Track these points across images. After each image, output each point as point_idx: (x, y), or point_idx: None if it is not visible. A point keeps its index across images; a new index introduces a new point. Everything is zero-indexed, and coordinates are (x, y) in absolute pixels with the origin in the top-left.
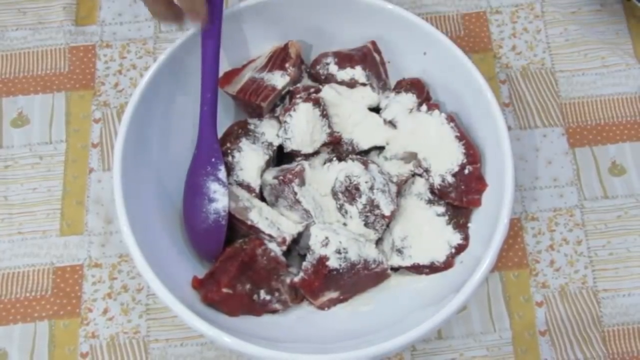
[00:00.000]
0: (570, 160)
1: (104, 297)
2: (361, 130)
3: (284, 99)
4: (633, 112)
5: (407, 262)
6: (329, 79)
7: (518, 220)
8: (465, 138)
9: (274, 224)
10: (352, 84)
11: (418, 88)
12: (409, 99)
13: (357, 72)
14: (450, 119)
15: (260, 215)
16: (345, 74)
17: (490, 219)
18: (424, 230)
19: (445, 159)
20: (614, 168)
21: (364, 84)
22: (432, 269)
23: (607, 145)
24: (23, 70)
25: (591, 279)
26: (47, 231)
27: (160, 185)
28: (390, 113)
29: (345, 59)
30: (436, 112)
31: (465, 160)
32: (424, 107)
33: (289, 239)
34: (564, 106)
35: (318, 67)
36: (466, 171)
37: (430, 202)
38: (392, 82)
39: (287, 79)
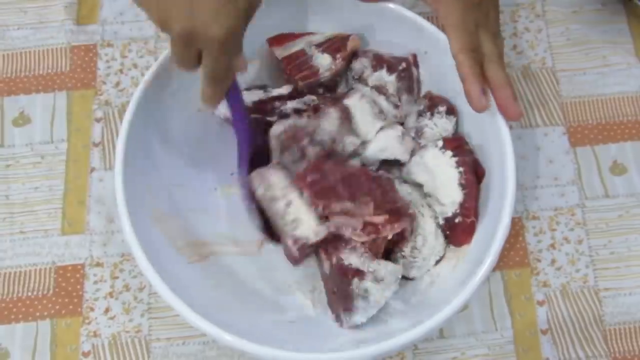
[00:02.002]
0: (571, 159)
1: (105, 296)
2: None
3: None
4: (634, 111)
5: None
6: (361, 79)
7: (519, 220)
8: (469, 187)
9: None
10: (381, 89)
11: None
12: (444, 123)
13: (390, 81)
14: (462, 162)
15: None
16: (377, 78)
17: (492, 218)
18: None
19: (444, 201)
20: (615, 167)
21: (393, 95)
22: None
23: (608, 145)
24: (24, 69)
25: (592, 278)
26: (49, 230)
27: (162, 184)
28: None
29: (381, 63)
30: (449, 154)
31: (458, 211)
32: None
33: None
34: (565, 105)
35: (356, 62)
36: (456, 220)
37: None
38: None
39: (332, 69)
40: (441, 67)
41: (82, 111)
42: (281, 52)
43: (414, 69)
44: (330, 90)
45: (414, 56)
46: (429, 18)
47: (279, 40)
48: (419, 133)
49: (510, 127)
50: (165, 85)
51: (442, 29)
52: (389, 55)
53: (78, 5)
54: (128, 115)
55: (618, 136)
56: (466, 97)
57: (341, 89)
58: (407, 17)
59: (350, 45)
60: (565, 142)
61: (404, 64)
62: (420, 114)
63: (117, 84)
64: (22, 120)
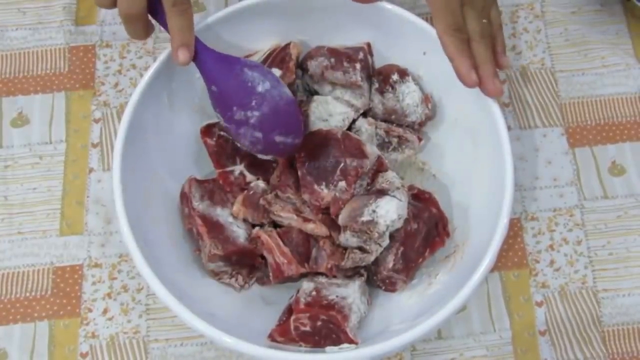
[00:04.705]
0: (570, 160)
1: (103, 297)
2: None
3: None
4: (633, 112)
5: None
6: (323, 78)
7: (518, 220)
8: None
9: None
10: (348, 85)
11: None
12: (406, 88)
13: (356, 73)
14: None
15: None
16: (342, 75)
17: (490, 219)
18: None
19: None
20: (614, 168)
21: (359, 86)
22: None
23: (607, 145)
24: (23, 70)
25: (591, 279)
26: (47, 231)
27: (160, 185)
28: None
29: (339, 56)
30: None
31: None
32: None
33: None
34: (564, 106)
35: (312, 62)
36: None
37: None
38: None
39: (286, 80)
40: (440, 67)
41: (80, 112)
42: None
43: (369, 57)
44: None
45: (368, 45)
46: (427, 19)
47: None
48: (400, 114)
49: (509, 128)
50: (163, 86)
51: (430, 10)
52: (343, 47)
53: (77, 6)
54: (126, 116)
55: (617, 137)
56: (457, 75)
57: (299, 95)
58: (406, 18)
59: (293, 52)
60: (564, 143)
61: (361, 53)
62: (381, 92)
63: (116, 84)
64: (21, 121)
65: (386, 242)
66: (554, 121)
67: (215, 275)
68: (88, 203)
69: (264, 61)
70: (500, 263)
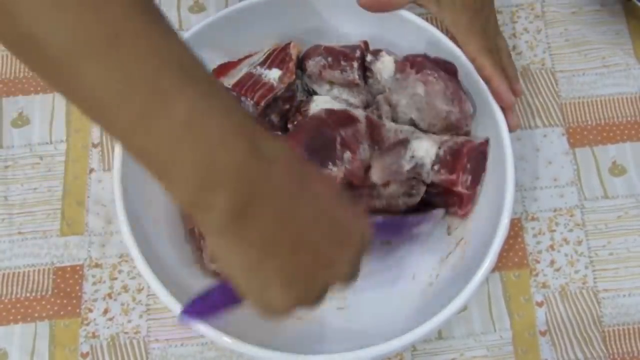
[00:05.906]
0: (570, 160)
1: (104, 297)
2: None
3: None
4: (633, 112)
5: None
6: (321, 77)
7: (518, 221)
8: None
9: None
10: (346, 84)
11: None
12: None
13: (353, 72)
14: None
15: None
16: (340, 74)
17: (491, 219)
18: None
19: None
20: (615, 168)
21: (357, 84)
22: None
23: (607, 146)
24: (23, 70)
25: (591, 279)
26: (48, 231)
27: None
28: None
29: (338, 57)
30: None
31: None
32: None
33: None
34: (564, 106)
35: (309, 61)
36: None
37: None
38: None
39: (285, 80)
40: None
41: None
42: (228, 80)
43: (365, 55)
44: (289, 100)
45: (365, 42)
46: (427, 19)
47: (221, 70)
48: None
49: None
50: None
51: (451, 35)
52: (340, 46)
53: None
54: None
55: (617, 137)
56: (494, 95)
57: (299, 95)
58: (406, 18)
59: (293, 52)
60: (565, 143)
61: (358, 52)
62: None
63: None
64: (21, 121)
65: (430, 178)
66: (555, 121)
67: (217, 275)
68: (88, 203)
69: (264, 61)
70: (501, 263)
